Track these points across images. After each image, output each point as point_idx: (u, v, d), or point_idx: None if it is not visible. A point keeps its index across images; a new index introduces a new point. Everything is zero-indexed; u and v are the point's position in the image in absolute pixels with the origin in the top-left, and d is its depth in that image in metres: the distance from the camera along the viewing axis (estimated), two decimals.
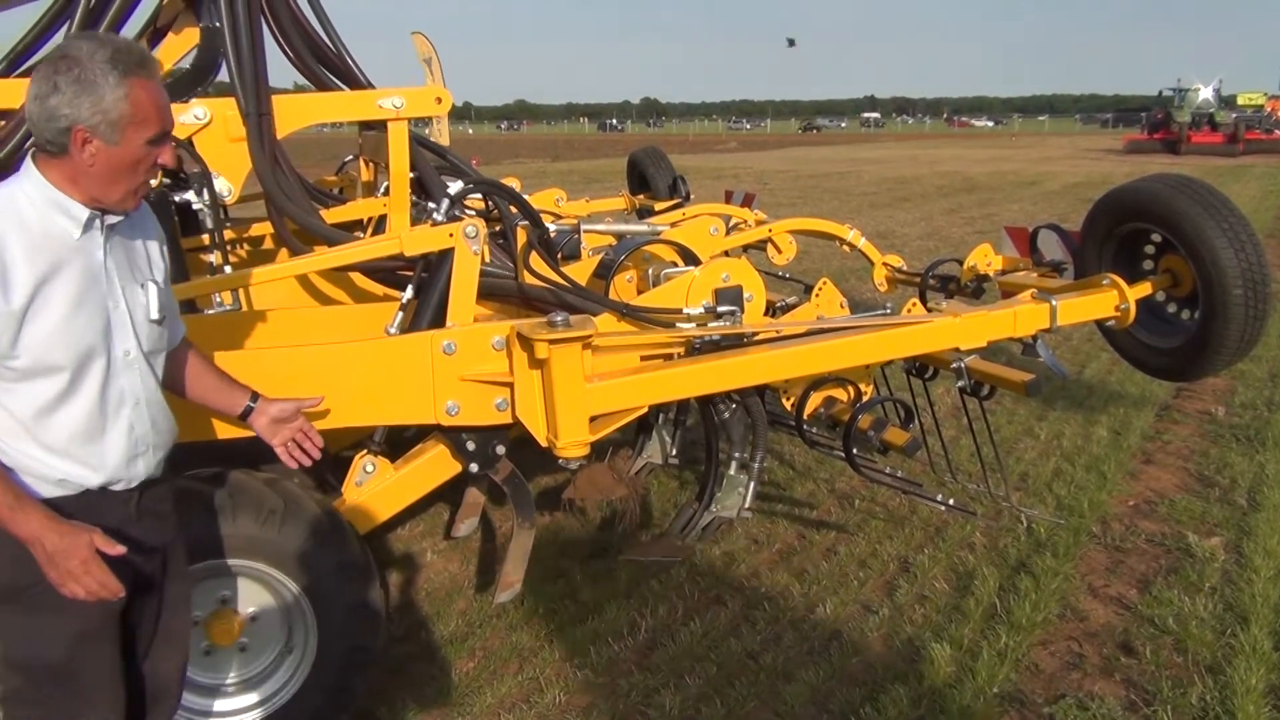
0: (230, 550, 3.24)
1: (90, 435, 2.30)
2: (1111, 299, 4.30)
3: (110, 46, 2.18)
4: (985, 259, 5.70)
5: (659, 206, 7.41)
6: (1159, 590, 4.49)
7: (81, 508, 2.31)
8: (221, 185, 4.05)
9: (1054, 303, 4.20)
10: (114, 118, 2.17)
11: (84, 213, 2.24)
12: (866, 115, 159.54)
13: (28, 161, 2.26)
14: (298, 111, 4.40)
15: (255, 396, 2.82)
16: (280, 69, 4.47)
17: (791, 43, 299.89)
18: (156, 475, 2.49)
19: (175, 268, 3.82)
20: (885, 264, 6.29)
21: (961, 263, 5.80)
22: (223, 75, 4.23)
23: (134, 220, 2.40)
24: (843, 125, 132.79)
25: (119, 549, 2.23)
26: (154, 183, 3.52)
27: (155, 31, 4.66)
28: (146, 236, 2.48)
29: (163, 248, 2.55)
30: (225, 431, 3.23)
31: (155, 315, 2.41)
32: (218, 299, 3.97)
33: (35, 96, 2.16)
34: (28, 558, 2.25)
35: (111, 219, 2.30)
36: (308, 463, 2.84)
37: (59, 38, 4.04)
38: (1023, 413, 7.11)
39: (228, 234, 4.56)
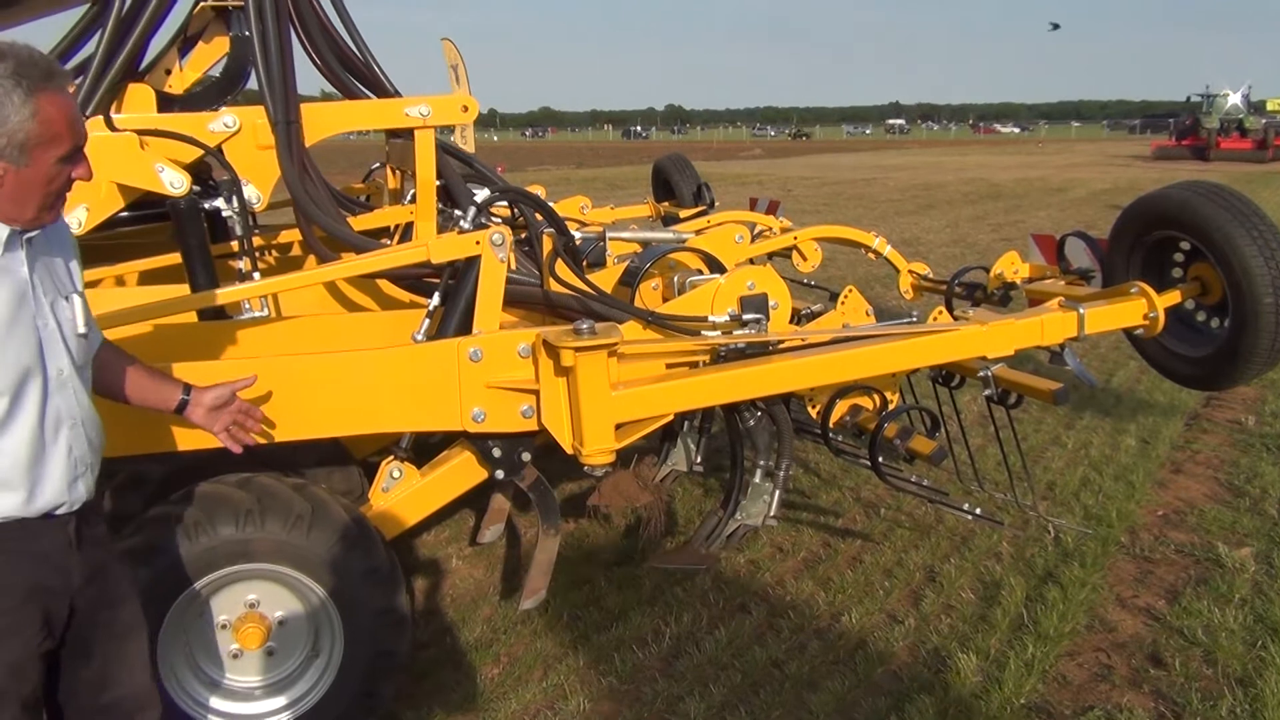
0: (258, 555, 3.26)
1: (32, 460, 2.22)
2: (1140, 307, 4.27)
3: (13, 59, 2.05)
4: (1012, 266, 5.66)
5: (684, 214, 7.41)
6: (1188, 601, 4.45)
7: (20, 537, 2.25)
8: (250, 192, 4.08)
9: (1082, 311, 4.17)
10: (20, 139, 2.07)
11: (3, 230, 2.14)
12: (891, 122, 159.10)
13: None
14: (326, 119, 4.42)
15: (188, 389, 2.73)
16: (308, 77, 4.51)
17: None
18: (92, 497, 2.41)
19: (204, 275, 3.88)
20: (911, 271, 6.27)
21: (988, 270, 5.77)
22: (252, 83, 4.26)
23: (51, 233, 2.32)
24: (867, 132, 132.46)
25: None
26: (180, 190, 3.57)
27: (186, 40, 4.71)
28: (64, 248, 2.39)
29: (78, 259, 2.45)
30: (183, 442, 3.21)
31: (82, 329, 2.33)
32: (246, 305, 4.00)
33: None
34: None
35: (31, 234, 2.21)
36: (251, 443, 2.78)
37: (90, 46, 4.08)
38: (1050, 421, 7.07)
39: (256, 241, 4.59)
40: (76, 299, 2.34)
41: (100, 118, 3.89)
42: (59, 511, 2.31)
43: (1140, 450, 6.46)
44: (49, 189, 2.16)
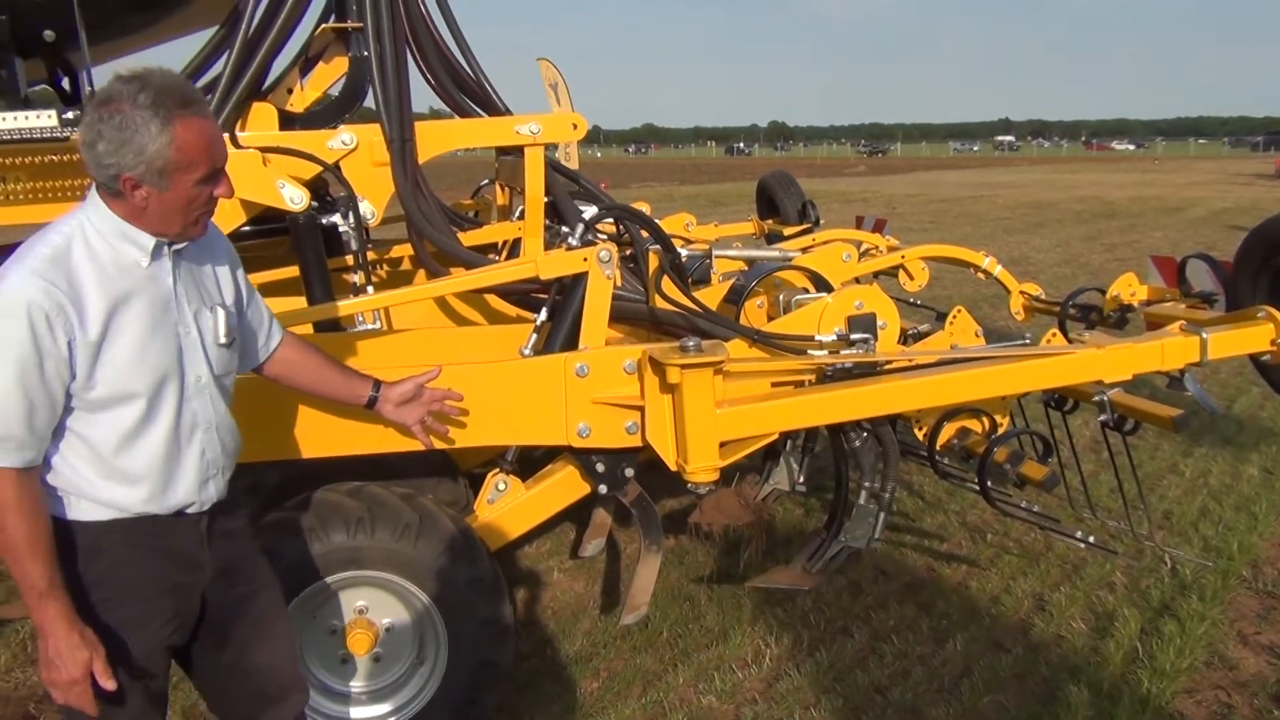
0: (368, 561, 3.34)
1: (167, 461, 2.32)
2: (1267, 332, 4.11)
3: (152, 89, 2.12)
4: (1129, 288, 5.50)
5: (788, 231, 7.37)
6: None
7: (152, 533, 2.35)
8: (365, 208, 4.18)
9: (1204, 335, 4.03)
10: (159, 166, 2.14)
11: (150, 241, 2.25)
12: (1000, 138, 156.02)
13: (92, 193, 2.25)
14: (439, 137, 4.52)
15: (377, 384, 2.87)
16: (420, 94, 4.61)
17: None
18: (224, 497, 2.51)
19: (321, 288, 3.99)
20: (1022, 292, 6.13)
21: (1104, 292, 5.61)
22: (369, 102, 4.37)
23: (202, 244, 2.42)
24: (975, 149, 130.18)
25: (110, 684, 2.17)
26: (300, 206, 3.68)
27: (307, 60, 4.85)
28: (216, 260, 2.50)
29: (235, 270, 2.56)
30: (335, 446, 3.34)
31: (224, 339, 2.42)
32: (360, 318, 4.10)
33: (82, 143, 2.15)
34: (102, 574, 2.31)
35: (179, 246, 2.32)
36: (445, 435, 2.87)
37: (218, 67, 4.24)
38: (1167, 448, 6.83)
39: (370, 255, 4.70)
40: (220, 311, 2.42)
41: (226, 135, 4.04)
42: (190, 510, 2.41)
43: (1263, 480, 6.20)
44: (191, 208, 2.24)
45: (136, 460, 2.29)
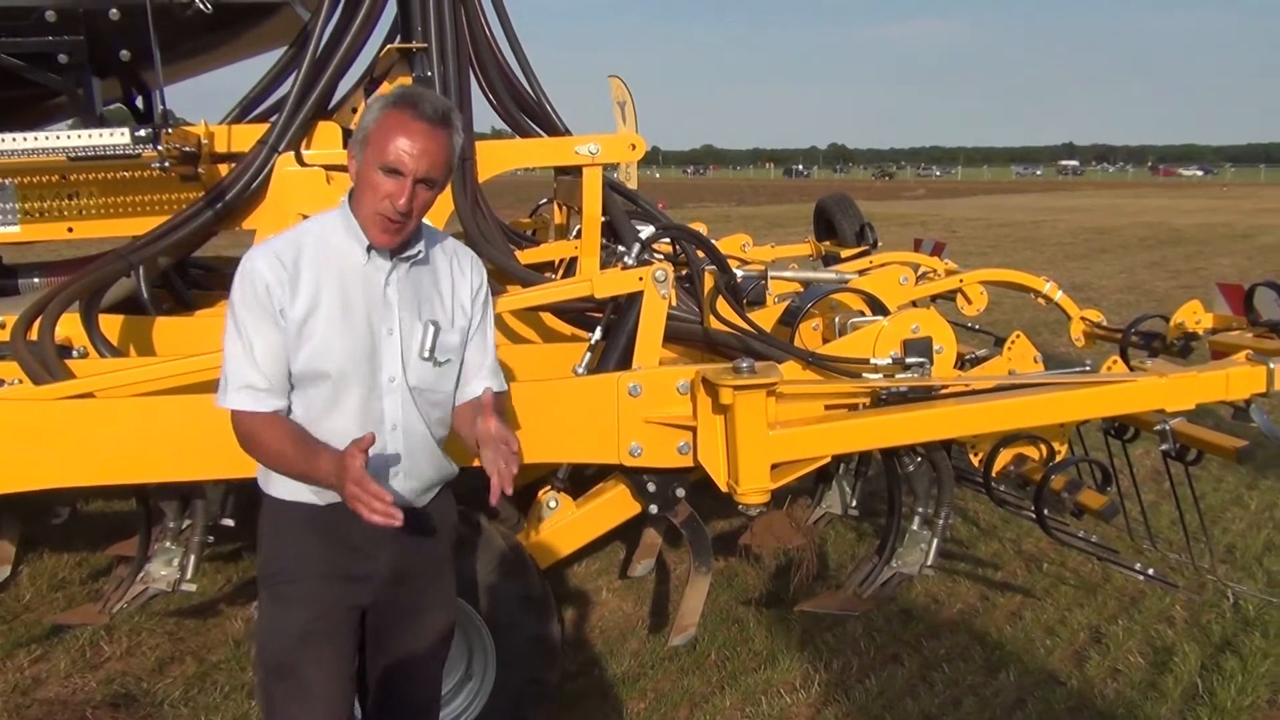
0: None
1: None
2: None
3: (405, 89, 2.42)
4: (1194, 316, 5.40)
5: (845, 254, 7.33)
6: None
7: (331, 521, 2.46)
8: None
9: (1272, 365, 3.95)
10: (362, 136, 2.35)
11: (367, 240, 2.40)
12: (1064, 163, 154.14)
13: (348, 193, 2.47)
14: (499, 156, 4.58)
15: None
16: (481, 113, 4.68)
17: None
18: (414, 503, 2.55)
19: None
20: (1083, 318, 6.04)
21: (1167, 319, 5.51)
22: None
23: (439, 265, 2.56)
24: (1038, 173, 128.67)
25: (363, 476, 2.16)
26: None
27: (372, 80, 4.94)
28: (450, 283, 2.58)
29: (472, 301, 2.61)
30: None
31: (427, 353, 2.49)
32: None
33: None
34: (280, 549, 2.52)
35: (400, 255, 2.44)
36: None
37: (285, 86, 4.33)
38: (1230, 480, 6.68)
39: None
40: (431, 327, 2.49)
41: (291, 153, 4.13)
42: None
43: None
44: (373, 196, 2.34)
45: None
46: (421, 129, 2.32)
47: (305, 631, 2.50)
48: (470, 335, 2.63)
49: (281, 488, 2.51)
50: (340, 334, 2.39)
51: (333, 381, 2.40)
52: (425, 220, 2.55)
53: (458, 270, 2.61)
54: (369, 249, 2.41)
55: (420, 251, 2.50)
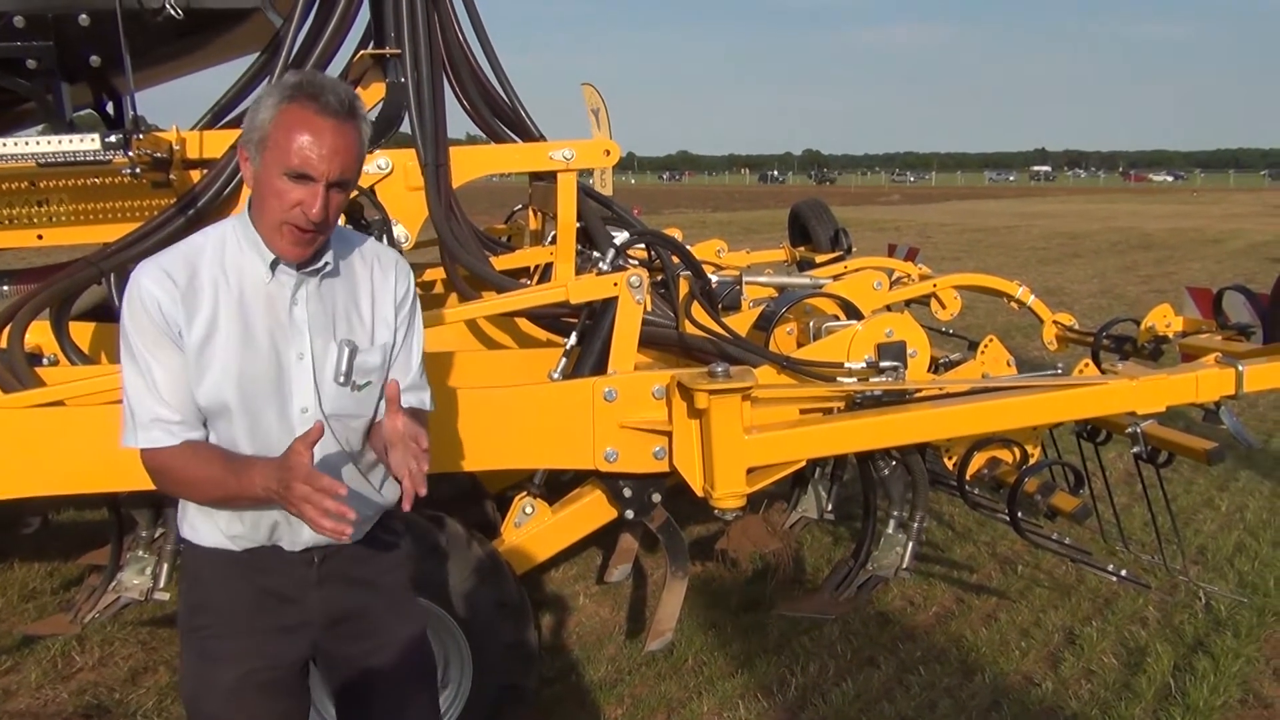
0: None
1: None
2: None
3: (300, 76, 2.09)
4: (1164, 320, 5.46)
5: (820, 259, 7.36)
6: None
7: (253, 565, 2.26)
8: (399, 232, 4.23)
9: (1240, 367, 4.00)
10: (258, 137, 2.07)
11: (271, 254, 2.14)
12: (1036, 169, 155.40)
13: (246, 201, 2.21)
14: (473, 162, 4.57)
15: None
16: (455, 120, 4.67)
17: None
18: (340, 542, 2.20)
19: None
20: (1056, 322, 6.09)
21: (1138, 323, 5.57)
22: (404, 127, 4.43)
23: (357, 271, 2.29)
24: (1011, 179, 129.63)
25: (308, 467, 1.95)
26: None
27: None
28: (374, 292, 2.30)
29: (400, 307, 2.34)
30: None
31: (341, 378, 2.22)
32: None
33: None
34: (203, 600, 2.29)
35: (307, 269, 2.18)
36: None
37: (259, 92, 4.31)
38: (1202, 482, 6.74)
39: None
40: (345, 348, 2.23)
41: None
42: (286, 547, 2.27)
43: None
44: (278, 204, 2.08)
45: None
46: (329, 125, 2.04)
47: (236, 689, 2.27)
48: (395, 351, 2.34)
49: (198, 532, 2.27)
50: (242, 361, 2.13)
51: (236, 415, 2.15)
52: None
53: (379, 278, 2.31)
54: (273, 264, 2.14)
55: (328, 263, 2.21)
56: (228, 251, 2.17)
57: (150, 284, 2.10)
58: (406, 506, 2.02)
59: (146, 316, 2.09)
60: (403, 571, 2.50)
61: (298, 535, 2.26)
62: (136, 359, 2.12)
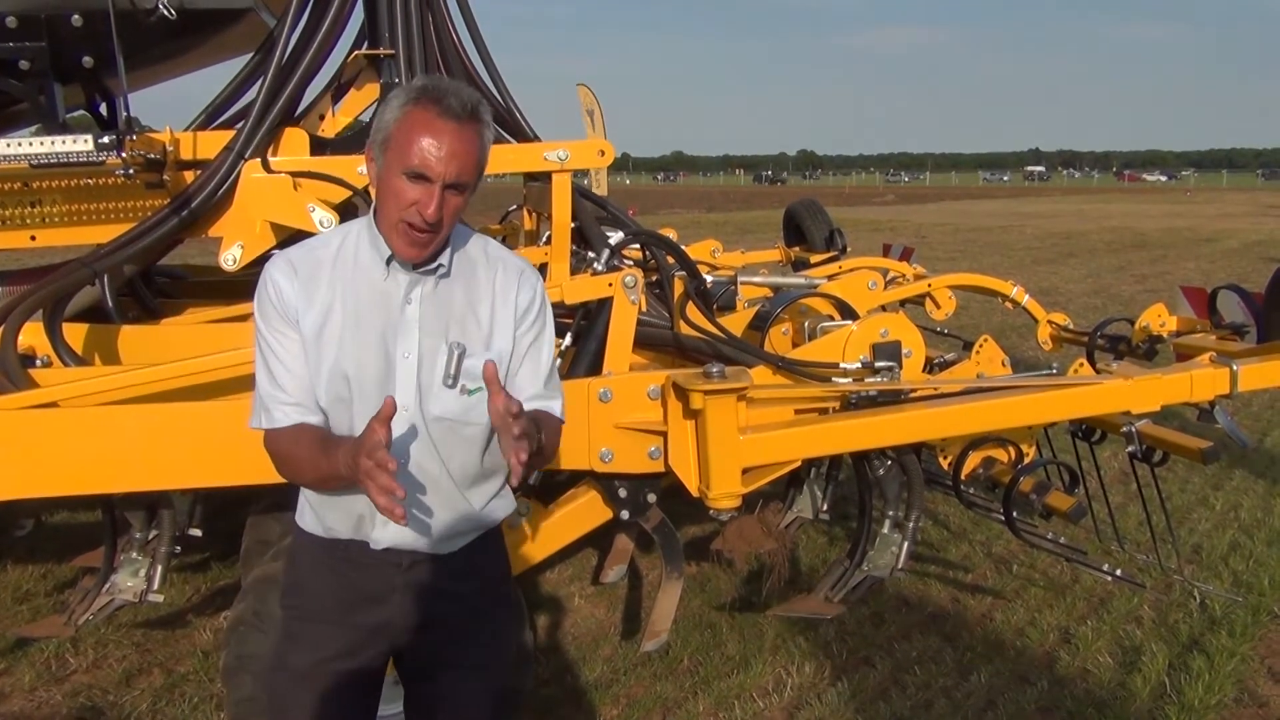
0: None
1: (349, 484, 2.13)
2: None
3: (427, 80, 2.13)
4: (1159, 319, 5.47)
5: (815, 259, 7.36)
6: None
7: (345, 553, 2.29)
8: None
9: (1235, 367, 4.00)
10: (382, 137, 2.12)
11: (388, 252, 2.18)
12: (1030, 169, 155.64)
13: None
14: None
15: None
16: None
17: None
18: (428, 551, 2.30)
19: None
20: (1050, 322, 6.09)
21: (1133, 322, 5.57)
22: None
23: (479, 275, 2.28)
24: (1005, 179, 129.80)
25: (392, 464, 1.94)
26: (329, 230, 3.60)
27: (339, 87, 4.92)
28: (495, 298, 2.28)
29: (524, 315, 2.31)
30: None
31: (449, 380, 2.21)
32: None
33: None
34: (296, 582, 2.39)
35: (422, 269, 2.20)
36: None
37: (251, 93, 4.30)
38: (1196, 481, 6.75)
39: None
40: (455, 351, 2.22)
41: (258, 160, 4.10)
42: (373, 544, 2.28)
43: None
44: (397, 204, 2.11)
45: None
46: (449, 128, 2.07)
47: (304, 674, 2.33)
48: (521, 358, 2.31)
49: (303, 516, 2.35)
50: (354, 353, 2.18)
51: (350, 405, 2.19)
52: (467, 225, 2.35)
53: (501, 284, 2.29)
54: (388, 261, 2.18)
55: (443, 266, 2.22)
56: (351, 247, 2.23)
57: (276, 273, 2.20)
58: (514, 483, 2.08)
59: (270, 301, 2.19)
60: (498, 594, 2.51)
61: (382, 532, 2.28)
62: (263, 344, 2.21)
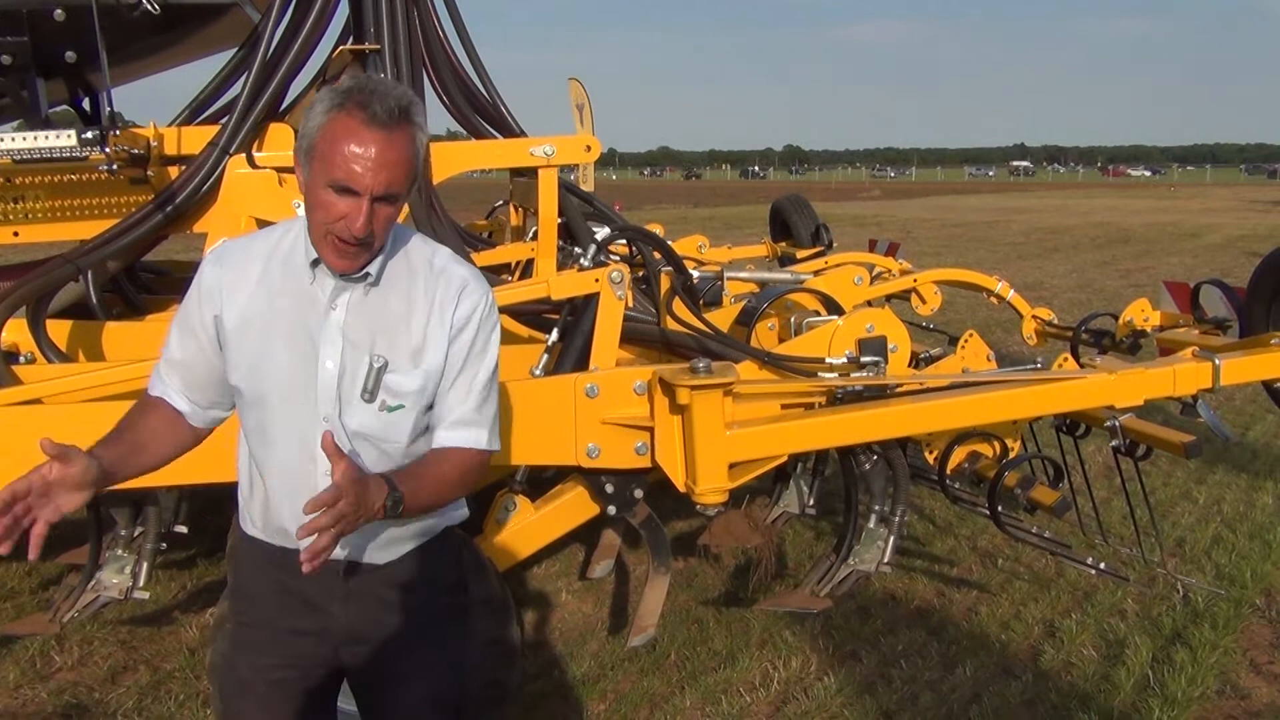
0: None
1: (268, 488, 2.19)
2: None
3: (353, 82, 2.00)
4: (1142, 314, 5.50)
5: (801, 254, 7.38)
6: None
7: (284, 559, 2.19)
8: None
9: (1217, 361, 4.03)
10: (305, 144, 2.01)
11: (311, 255, 2.09)
12: (1016, 164, 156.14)
13: None
14: (454, 158, 4.56)
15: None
16: (435, 116, 4.65)
17: None
18: (366, 560, 2.23)
19: None
20: (1035, 317, 6.13)
21: (1117, 317, 5.61)
22: None
23: (417, 284, 2.15)
24: (991, 174, 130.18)
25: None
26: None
27: (324, 82, 4.90)
28: (431, 310, 2.15)
29: (458, 332, 2.16)
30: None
31: (366, 395, 2.12)
32: None
33: None
34: (238, 585, 2.35)
35: (348, 277, 2.10)
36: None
37: (236, 88, 4.29)
38: (1180, 475, 6.79)
39: None
40: (376, 364, 2.12)
41: (243, 155, 4.09)
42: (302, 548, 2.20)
43: (1278, 508, 6.15)
44: (324, 215, 2.00)
45: (249, 469, 2.25)
46: (376, 137, 1.94)
47: (251, 679, 2.28)
48: (453, 377, 2.18)
49: (242, 517, 2.29)
50: (275, 355, 2.11)
51: (269, 407, 2.13)
52: (408, 229, 2.24)
53: (439, 297, 2.15)
54: (314, 264, 2.09)
55: (370, 274, 2.10)
56: (288, 245, 2.16)
57: (208, 260, 2.20)
58: (305, 569, 1.86)
59: (195, 284, 2.19)
60: (443, 599, 2.38)
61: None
62: (178, 315, 2.22)
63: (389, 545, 2.26)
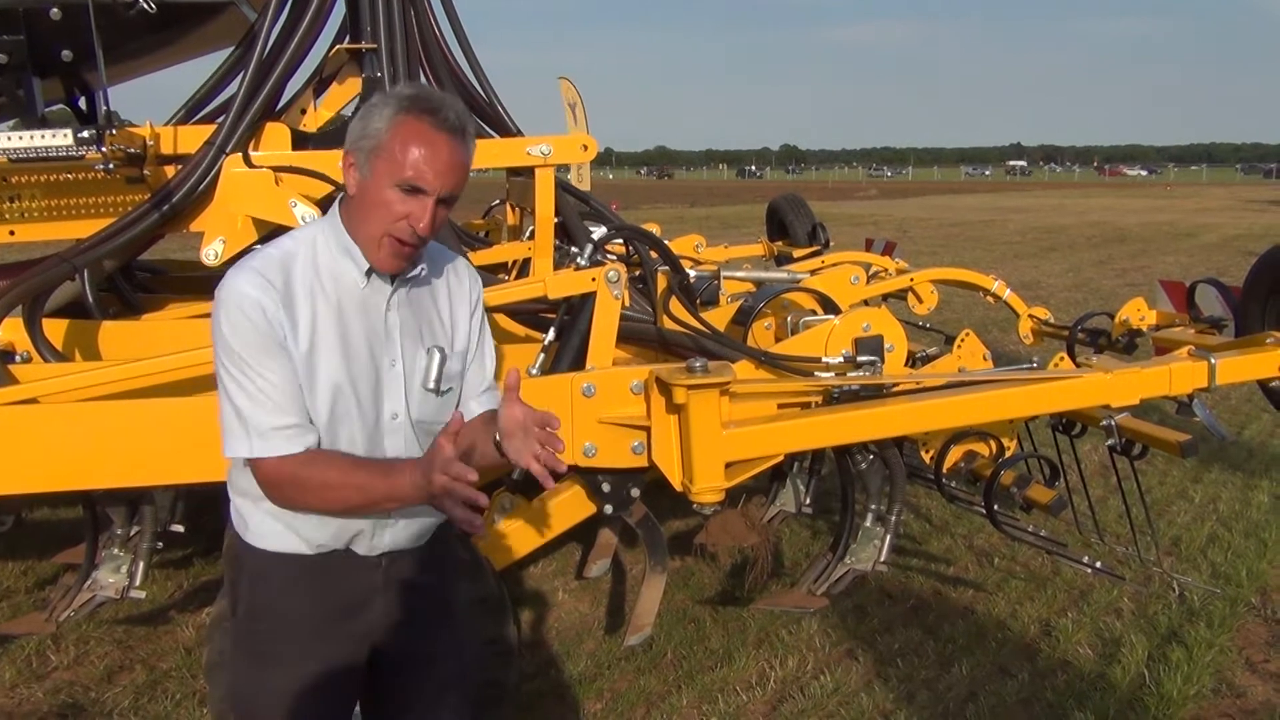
0: None
1: None
2: (1276, 358, 4.11)
3: (416, 89, 2.10)
4: (1138, 313, 5.51)
5: (798, 254, 7.39)
6: None
7: (325, 565, 2.24)
8: None
9: (1213, 360, 4.03)
10: (370, 145, 2.05)
11: (366, 263, 2.13)
12: (1012, 163, 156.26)
13: (334, 206, 2.21)
14: None
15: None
16: None
17: None
18: (408, 547, 2.34)
19: None
20: (1031, 316, 6.13)
21: (1113, 316, 5.61)
22: None
23: (440, 282, 2.30)
24: (987, 174, 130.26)
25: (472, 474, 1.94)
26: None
27: (321, 81, 4.91)
28: (450, 301, 2.32)
29: (472, 318, 2.36)
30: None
31: (431, 384, 2.23)
32: None
33: None
34: (264, 608, 2.27)
35: (409, 272, 2.19)
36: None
37: (232, 87, 4.29)
38: (1176, 474, 6.80)
39: None
40: (436, 355, 2.24)
41: (239, 155, 4.08)
42: (360, 550, 2.28)
43: (1273, 507, 6.16)
44: (384, 216, 2.07)
45: None
46: (445, 141, 2.03)
47: (289, 691, 2.26)
48: (470, 357, 2.35)
49: (266, 537, 2.24)
50: (346, 370, 2.13)
51: (337, 422, 2.15)
52: None
53: (455, 284, 2.33)
54: (368, 272, 2.14)
55: (423, 270, 2.22)
56: (320, 257, 2.14)
57: (250, 289, 2.05)
58: (548, 485, 2.05)
59: (249, 322, 2.04)
60: (462, 585, 2.51)
61: (379, 540, 2.28)
62: (243, 367, 2.05)
63: (422, 529, 2.36)
